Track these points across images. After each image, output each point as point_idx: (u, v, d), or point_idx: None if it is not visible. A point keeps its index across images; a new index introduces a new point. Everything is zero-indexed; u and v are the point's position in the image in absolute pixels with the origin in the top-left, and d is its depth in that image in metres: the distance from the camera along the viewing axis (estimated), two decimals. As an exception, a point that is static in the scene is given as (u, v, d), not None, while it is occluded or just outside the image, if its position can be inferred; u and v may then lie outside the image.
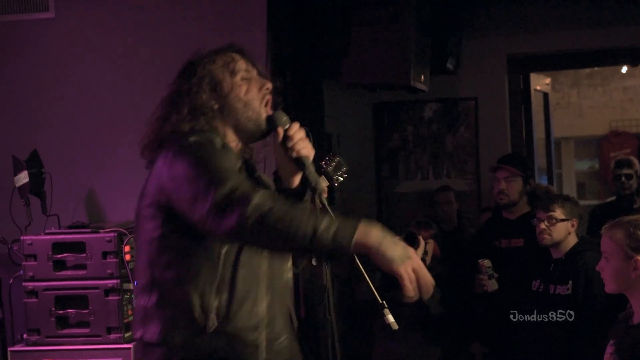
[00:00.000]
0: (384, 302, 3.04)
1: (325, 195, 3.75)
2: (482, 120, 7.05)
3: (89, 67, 5.65)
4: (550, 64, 7.45)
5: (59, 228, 5.02)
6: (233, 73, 2.62)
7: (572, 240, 4.63)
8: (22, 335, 4.82)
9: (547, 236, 4.60)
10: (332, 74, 6.11)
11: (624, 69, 10.44)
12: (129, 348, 4.50)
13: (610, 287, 3.42)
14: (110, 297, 4.58)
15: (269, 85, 2.66)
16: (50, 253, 4.68)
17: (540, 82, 7.58)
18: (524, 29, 6.87)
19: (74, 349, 4.64)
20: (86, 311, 4.63)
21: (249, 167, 2.64)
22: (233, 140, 2.60)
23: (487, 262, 5.01)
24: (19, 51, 5.76)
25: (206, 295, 2.40)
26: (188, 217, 2.35)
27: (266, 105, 2.63)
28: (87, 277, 4.65)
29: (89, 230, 4.79)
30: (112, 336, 4.56)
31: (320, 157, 4.03)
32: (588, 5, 6.71)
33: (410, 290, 2.37)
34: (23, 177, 5.05)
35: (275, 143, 2.59)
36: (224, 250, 2.41)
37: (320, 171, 3.98)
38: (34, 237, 4.76)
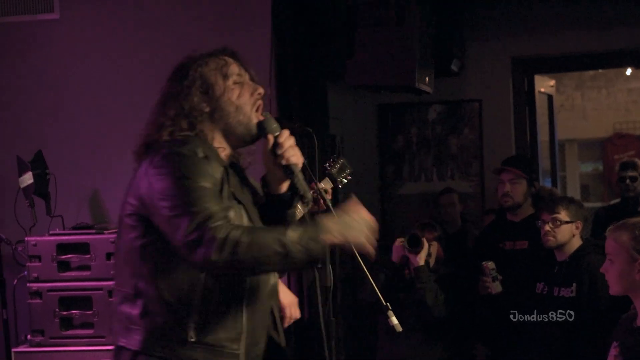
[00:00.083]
0: (388, 303, 3.04)
1: (329, 197, 3.77)
2: (487, 122, 7.04)
3: (93, 67, 5.65)
4: (554, 66, 7.44)
5: (63, 229, 5.03)
6: (225, 77, 2.62)
7: (577, 242, 4.62)
8: (26, 336, 4.83)
9: (551, 238, 4.60)
10: (336, 76, 6.11)
11: (628, 71, 10.42)
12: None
13: (614, 289, 3.41)
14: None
15: (261, 91, 2.67)
16: (55, 254, 4.68)
17: (544, 84, 7.57)
18: (528, 31, 6.86)
19: (78, 350, 4.65)
20: (90, 312, 4.64)
21: (237, 171, 2.63)
22: (221, 145, 2.59)
23: (490, 264, 5.00)
24: (23, 52, 5.77)
25: (187, 307, 2.41)
26: (164, 234, 2.38)
27: (257, 110, 2.63)
28: (91, 278, 4.66)
29: (93, 231, 4.80)
30: (116, 337, 4.56)
31: (325, 159, 4.03)
32: (592, 7, 6.70)
33: (373, 253, 2.48)
34: (27, 178, 5.06)
35: (264, 149, 2.59)
36: None
37: (324, 173, 3.98)
38: (38, 238, 4.77)
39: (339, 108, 6.46)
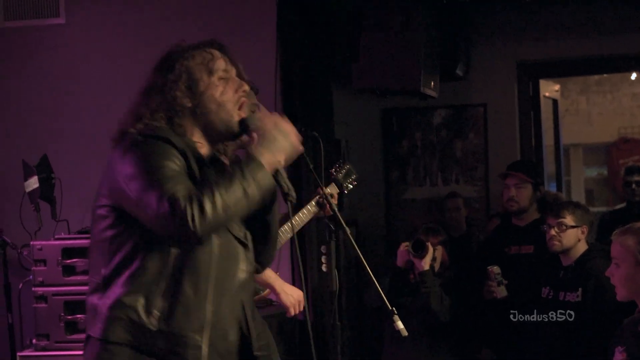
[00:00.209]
0: (394, 308, 3.04)
1: (335, 202, 3.77)
2: (492, 127, 7.03)
3: (99, 72, 5.67)
4: (559, 70, 7.43)
5: (69, 233, 5.03)
6: (211, 72, 2.60)
7: (582, 247, 4.62)
8: (31, 340, 4.82)
9: (557, 242, 4.60)
10: (341, 80, 6.11)
11: (633, 76, 10.41)
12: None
13: (621, 294, 3.41)
14: (119, 303, 4.58)
15: (246, 88, 2.64)
16: (60, 258, 4.68)
17: (549, 89, 7.57)
18: (533, 36, 6.86)
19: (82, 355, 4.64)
20: (95, 316, 4.63)
21: (218, 166, 2.63)
22: (200, 140, 2.58)
23: (496, 269, 5.00)
24: (29, 56, 5.79)
25: (152, 296, 2.42)
26: (138, 218, 2.40)
27: (240, 108, 2.61)
28: (97, 282, 4.65)
29: (98, 235, 4.79)
30: (121, 341, 4.56)
31: (329, 163, 4.04)
32: (597, 12, 6.70)
33: (302, 149, 2.57)
34: (33, 183, 5.06)
35: (247, 146, 2.55)
36: (172, 253, 2.43)
37: (330, 178, 3.99)
38: (43, 242, 4.77)
39: (344, 112, 6.47)
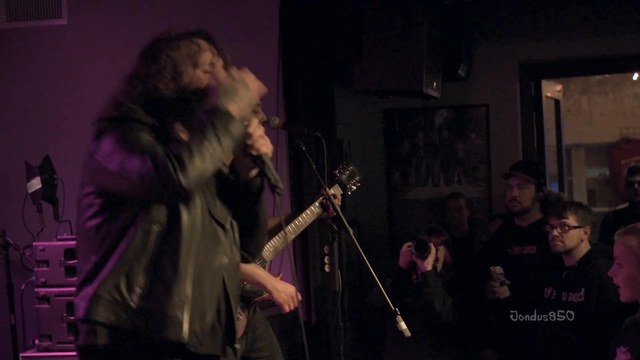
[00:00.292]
0: (396, 309, 3.04)
1: (338, 202, 3.77)
2: (494, 127, 7.03)
3: (101, 73, 5.66)
4: (561, 70, 7.43)
5: (71, 234, 5.03)
6: (196, 65, 2.60)
7: (585, 247, 4.61)
8: (33, 341, 4.83)
9: (559, 243, 4.59)
10: (343, 80, 6.12)
11: (635, 76, 10.41)
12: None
13: (624, 294, 3.42)
14: (121, 303, 4.59)
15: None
16: (62, 259, 4.69)
17: (551, 89, 7.57)
18: (535, 36, 6.86)
19: (85, 355, 4.64)
20: (98, 317, 4.63)
21: None
22: (182, 132, 2.58)
23: (498, 269, 5.00)
24: (32, 57, 5.79)
25: (133, 273, 2.44)
26: (121, 190, 2.43)
27: None
28: (99, 283, 4.65)
29: (100, 236, 4.79)
30: (124, 342, 4.56)
31: (331, 164, 4.04)
32: (599, 12, 6.70)
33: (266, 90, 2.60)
34: (35, 183, 5.07)
35: (211, 98, 2.54)
36: (154, 232, 2.45)
37: (334, 179, 3.99)
38: (46, 243, 4.78)
39: (346, 113, 6.47)
